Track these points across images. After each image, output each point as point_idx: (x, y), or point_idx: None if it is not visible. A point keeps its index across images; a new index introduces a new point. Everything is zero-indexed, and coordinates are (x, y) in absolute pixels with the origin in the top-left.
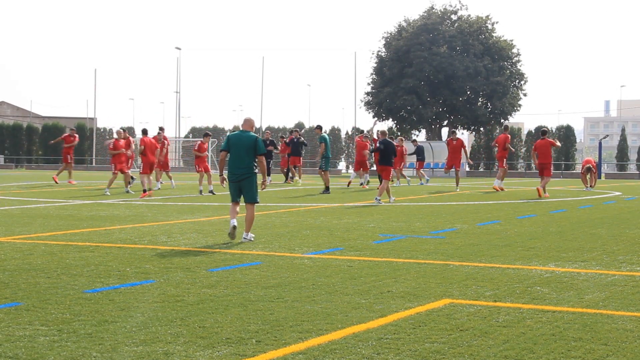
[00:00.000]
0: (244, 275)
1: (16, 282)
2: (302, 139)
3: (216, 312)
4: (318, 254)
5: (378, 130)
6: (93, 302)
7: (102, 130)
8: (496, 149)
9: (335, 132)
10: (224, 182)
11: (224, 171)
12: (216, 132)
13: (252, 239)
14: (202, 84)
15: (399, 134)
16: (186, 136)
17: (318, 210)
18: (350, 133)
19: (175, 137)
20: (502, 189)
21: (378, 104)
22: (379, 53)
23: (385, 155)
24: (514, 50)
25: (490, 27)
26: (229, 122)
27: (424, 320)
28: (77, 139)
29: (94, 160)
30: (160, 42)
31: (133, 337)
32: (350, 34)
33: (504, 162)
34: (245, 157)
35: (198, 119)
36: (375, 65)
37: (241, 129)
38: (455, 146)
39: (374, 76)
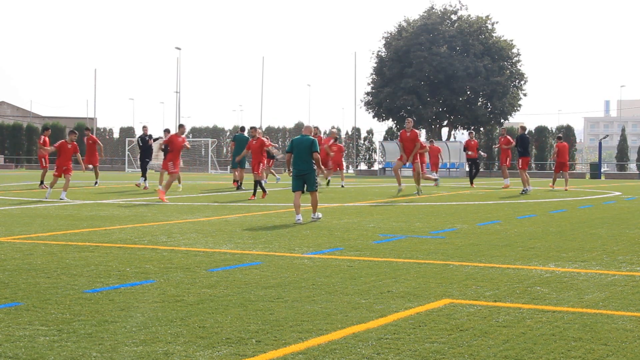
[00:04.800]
0: (244, 275)
1: (16, 282)
2: (150, 137)
3: (216, 312)
4: (318, 254)
5: (519, 126)
6: (93, 302)
7: (102, 130)
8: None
9: None
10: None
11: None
12: (216, 132)
13: (320, 217)
14: (202, 84)
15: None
16: (186, 136)
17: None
18: (350, 133)
19: None
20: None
21: (378, 104)
22: (379, 53)
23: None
24: (514, 50)
25: (490, 27)
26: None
27: (424, 320)
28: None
29: None
30: (160, 42)
31: (133, 337)
32: (350, 34)
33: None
34: (305, 155)
35: (198, 119)
36: (375, 65)
37: (302, 133)
38: (410, 138)
39: (374, 76)
